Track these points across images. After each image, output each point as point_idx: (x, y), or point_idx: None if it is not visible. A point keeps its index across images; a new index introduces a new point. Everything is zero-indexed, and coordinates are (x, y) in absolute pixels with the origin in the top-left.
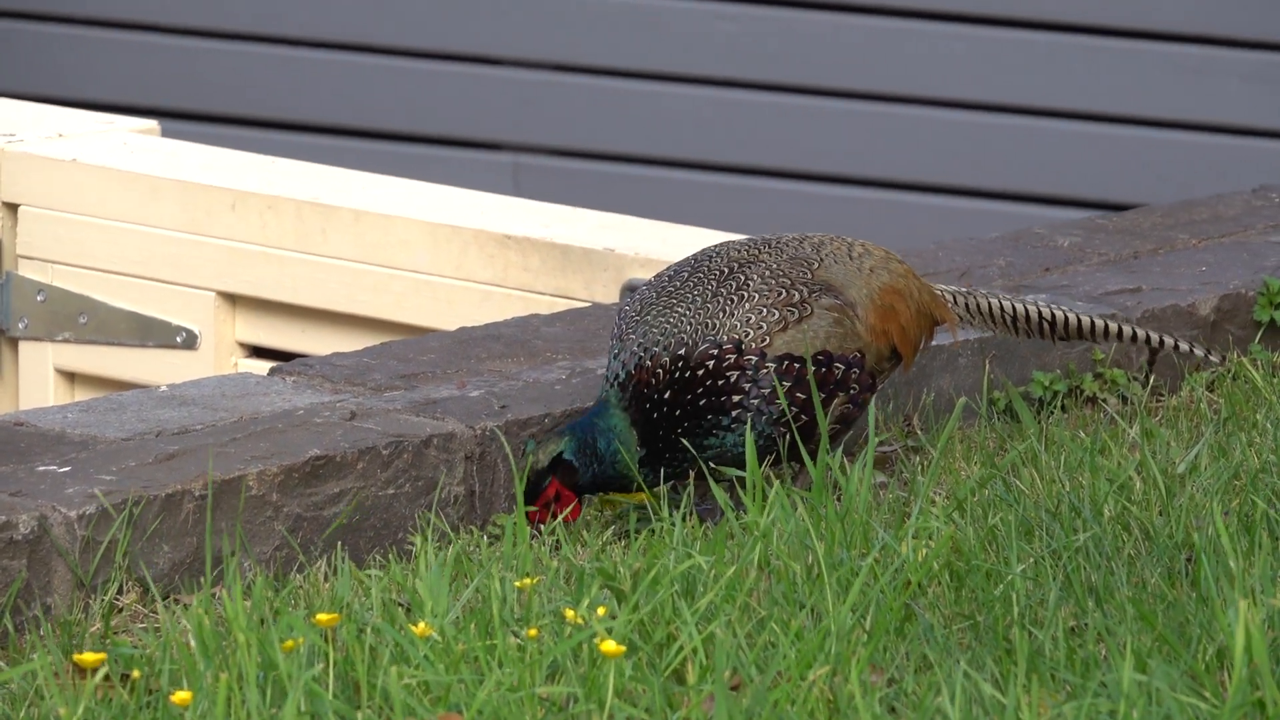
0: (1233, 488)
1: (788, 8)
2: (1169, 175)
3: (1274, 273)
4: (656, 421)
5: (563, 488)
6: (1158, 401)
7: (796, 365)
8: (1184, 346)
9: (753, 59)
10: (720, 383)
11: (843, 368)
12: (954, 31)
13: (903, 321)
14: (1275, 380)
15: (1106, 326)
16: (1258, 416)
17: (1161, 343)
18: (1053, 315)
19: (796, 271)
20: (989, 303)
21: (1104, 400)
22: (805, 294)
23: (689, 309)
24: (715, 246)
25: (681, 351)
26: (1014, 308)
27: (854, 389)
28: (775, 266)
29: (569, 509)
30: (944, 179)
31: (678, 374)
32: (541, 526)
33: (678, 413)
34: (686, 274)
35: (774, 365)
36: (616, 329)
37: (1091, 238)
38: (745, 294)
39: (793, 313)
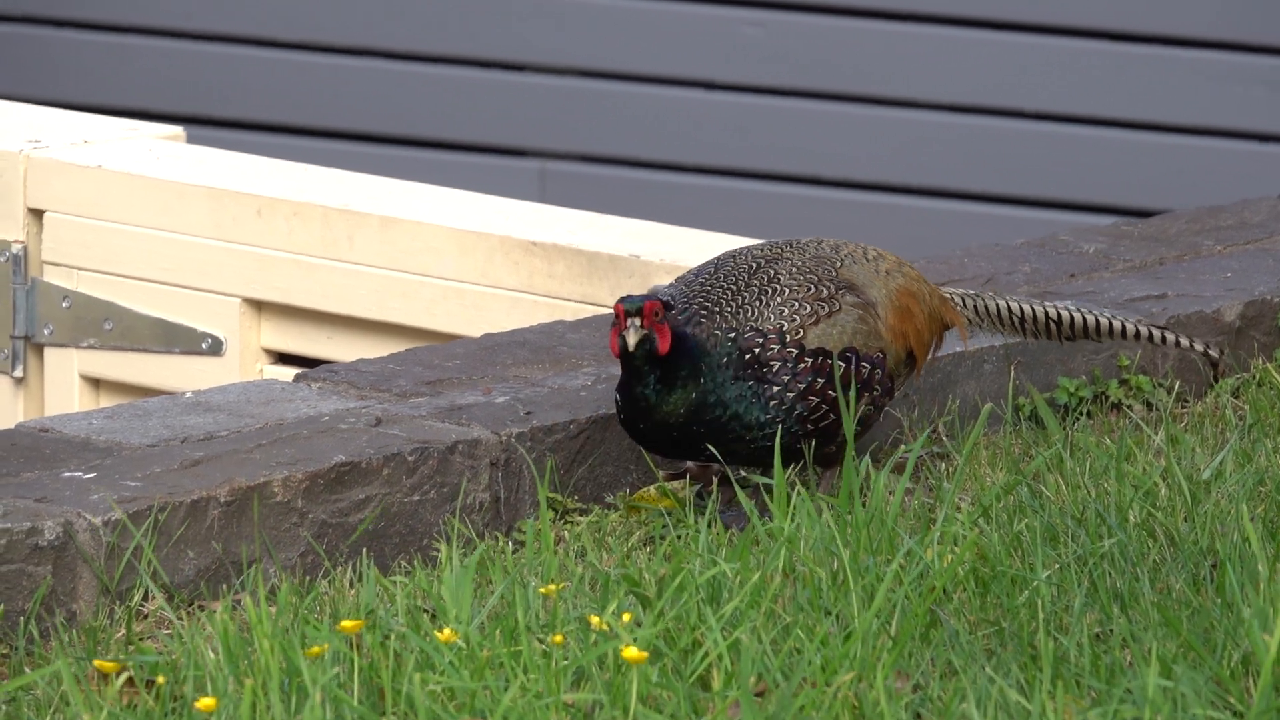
0: (1258, 494)
1: (814, 14)
2: (1195, 181)
3: None
4: None
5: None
6: (1183, 408)
7: (828, 361)
8: (1199, 347)
9: (780, 65)
10: (765, 370)
11: (869, 366)
12: (981, 38)
13: (918, 324)
14: None
15: (1115, 325)
16: None
17: (1178, 343)
18: (1059, 315)
19: (821, 269)
20: (998, 305)
21: (1129, 406)
22: (833, 290)
23: (723, 296)
24: (733, 250)
25: (732, 335)
26: (1022, 309)
27: (877, 390)
28: (800, 264)
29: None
30: (970, 185)
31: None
32: (635, 327)
33: None
34: (711, 271)
35: (811, 360)
36: None
37: (1117, 244)
38: (776, 288)
39: (823, 307)
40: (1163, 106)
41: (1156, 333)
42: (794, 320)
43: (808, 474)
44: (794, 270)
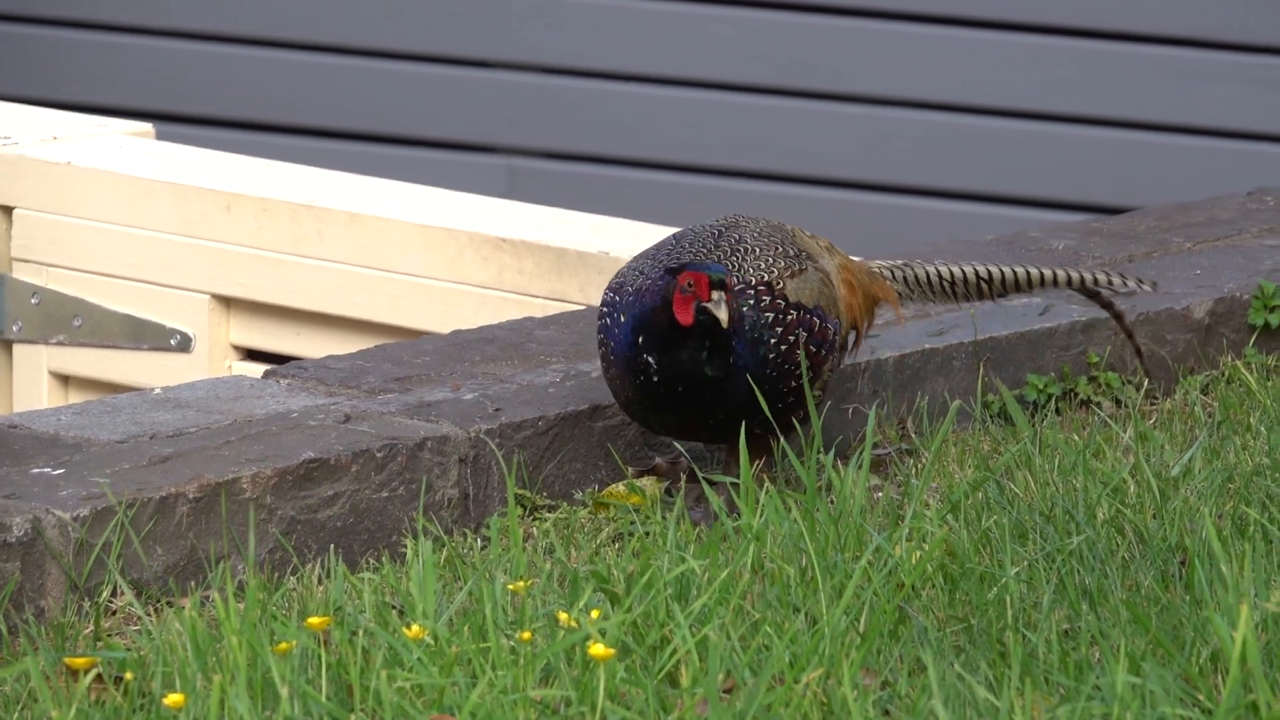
0: (1227, 491)
1: (782, 11)
2: (1164, 178)
3: (1268, 276)
4: None
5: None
6: (1151, 404)
7: (807, 315)
8: (1116, 281)
9: (747, 62)
10: (760, 322)
11: (833, 327)
12: (951, 35)
13: (859, 299)
14: (1269, 384)
15: (1041, 275)
16: (1251, 420)
17: (1095, 281)
18: (989, 273)
19: (779, 234)
20: (927, 271)
21: (1098, 403)
22: (795, 250)
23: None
24: (684, 228)
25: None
26: (951, 272)
27: (838, 353)
28: (759, 229)
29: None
30: (939, 182)
31: None
32: (724, 301)
33: None
34: (672, 244)
35: (795, 312)
36: (615, 300)
37: (1086, 241)
38: (746, 247)
39: (793, 264)
40: (1132, 103)
41: (1086, 276)
42: (773, 272)
43: (776, 471)
44: (756, 234)
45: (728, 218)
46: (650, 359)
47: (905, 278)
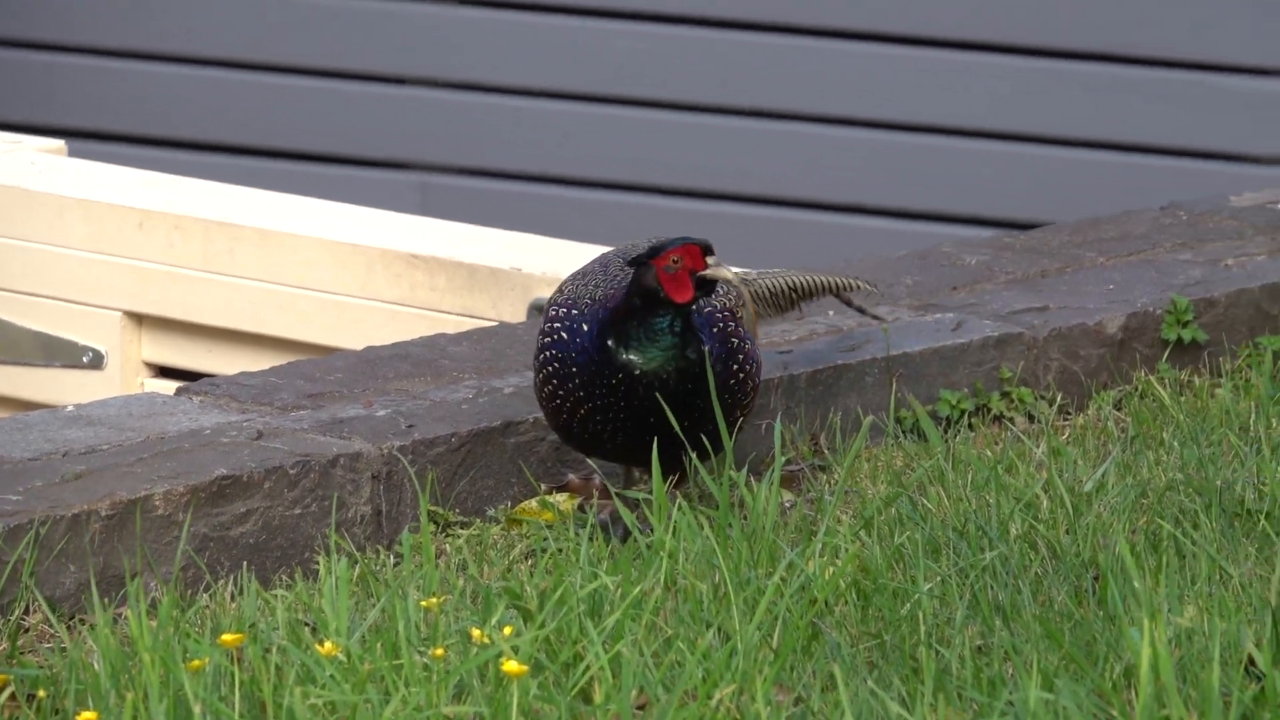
0: (1140, 506)
1: (688, 26)
2: (1077, 194)
3: (1182, 291)
4: None
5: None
6: (1065, 420)
7: (754, 347)
8: (854, 283)
9: (655, 77)
10: (730, 345)
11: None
12: (860, 50)
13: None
14: (1182, 399)
15: (817, 282)
16: (1164, 435)
17: (847, 286)
18: (794, 283)
19: None
20: (761, 286)
21: (1011, 419)
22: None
23: None
24: (612, 250)
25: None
26: (775, 284)
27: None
28: None
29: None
30: (851, 198)
31: None
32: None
33: None
34: (620, 262)
35: (748, 343)
36: (570, 313)
37: (999, 256)
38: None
39: (737, 295)
40: (1043, 118)
41: (838, 281)
42: (728, 300)
43: (689, 487)
44: None
45: (655, 241)
46: (632, 356)
47: (753, 294)
